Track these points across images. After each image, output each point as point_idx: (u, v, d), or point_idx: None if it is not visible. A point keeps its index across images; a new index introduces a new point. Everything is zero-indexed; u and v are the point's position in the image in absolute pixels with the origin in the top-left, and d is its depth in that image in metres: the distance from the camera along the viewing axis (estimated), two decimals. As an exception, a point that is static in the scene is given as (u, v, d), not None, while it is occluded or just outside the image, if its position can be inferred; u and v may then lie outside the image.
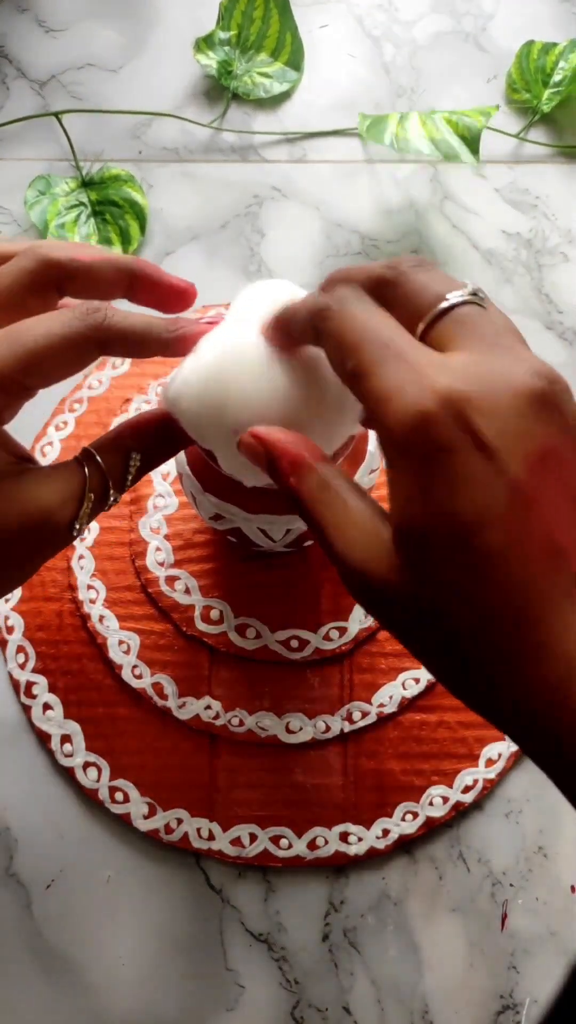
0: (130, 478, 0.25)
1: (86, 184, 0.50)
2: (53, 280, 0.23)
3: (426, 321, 0.21)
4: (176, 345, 0.24)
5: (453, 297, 0.20)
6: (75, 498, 0.23)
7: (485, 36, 0.56)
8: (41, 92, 0.54)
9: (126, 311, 0.24)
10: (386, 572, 0.20)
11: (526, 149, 0.53)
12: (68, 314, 0.23)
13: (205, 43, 0.53)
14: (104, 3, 0.56)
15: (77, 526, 0.23)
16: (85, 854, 0.39)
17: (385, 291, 0.22)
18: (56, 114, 0.51)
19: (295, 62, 0.54)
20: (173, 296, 0.25)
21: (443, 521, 0.18)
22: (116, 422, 0.45)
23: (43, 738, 0.41)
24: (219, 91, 0.54)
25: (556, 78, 0.53)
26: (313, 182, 0.52)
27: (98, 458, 0.24)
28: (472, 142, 0.44)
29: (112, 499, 0.24)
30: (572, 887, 0.39)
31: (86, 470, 0.24)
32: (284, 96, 0.54)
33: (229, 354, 0.25)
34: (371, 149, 0.53)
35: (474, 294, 0.21)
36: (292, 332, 0.23)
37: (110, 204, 0.50)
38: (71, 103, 0.53)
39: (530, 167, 0.52)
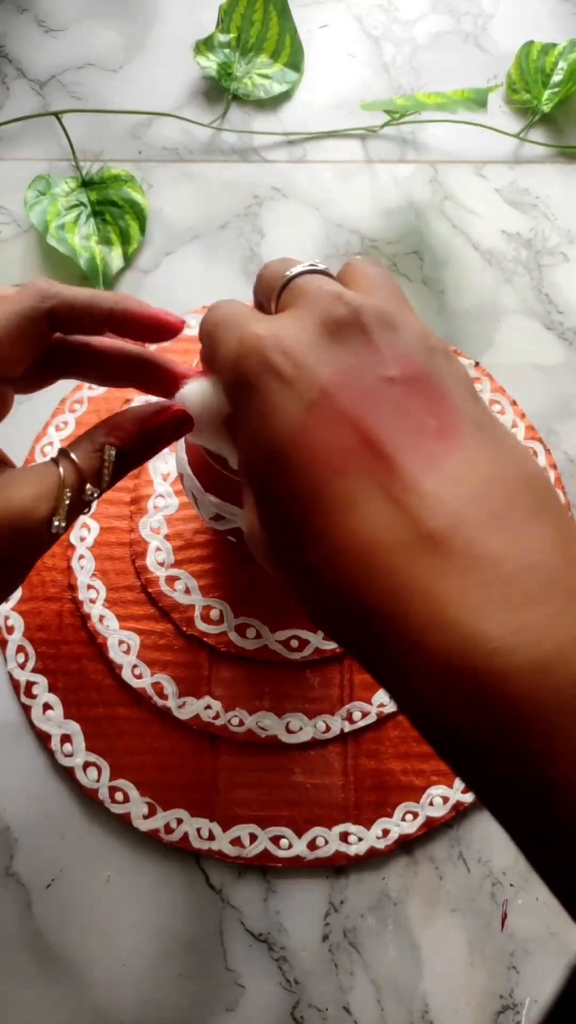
0: (106, 473, 0.25)
1: (86, 184, 0.50)
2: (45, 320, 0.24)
3: (273, 298, 0.23)
4: (118, 318, 0.25)
5: (292, 271, 0.23)
6: (51, 496, 0.23)
7: (485, 36, 0.56)
8: (41, 92, 0.54)
9: (70, 286, 0.25)
10: (253, 520, 0.21)
11: (526, 149, 0.53)
12: (16, 293, 0.24)
13: (205, 45, 0.53)
14: (104, 3, 0.56)
15: (56, 523, 0.23)
16: (85, 854, 0.39)
17: (255, 291, 0.24)
18: (56, 114, 0.51)
19: (295, 63, 0.54)
20: (157, 328, 0.26)
21: (257, 448, 0.20)
22: None
23: (43, 738, 0.41)
24: (219, 92, 0.54)
25: (556, 78, 0.53)
26: (313, 182, 0.52)
27: (72, 455, 0.24)
28: (479, 96, 0.44)
29: (91, 495, 0.24)
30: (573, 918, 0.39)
31: (60, 468, 0.24)
32: (284, 97, 0.54)
33: None
34: (371, 149, 0.53)
35: (313, 267, 0.23)
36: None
37: (110, 204, 0.50)
38: (71, 103, 0.53)
39: (530, 167, 0.52)
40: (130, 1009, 0.37)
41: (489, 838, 0.40)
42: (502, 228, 0.51)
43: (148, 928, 0.38)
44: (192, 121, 0.52)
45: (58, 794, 0.40)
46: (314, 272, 0.23)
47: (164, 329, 0.26)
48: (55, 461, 0.24)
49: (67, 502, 0.23)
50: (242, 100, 0.53)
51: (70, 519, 0.24)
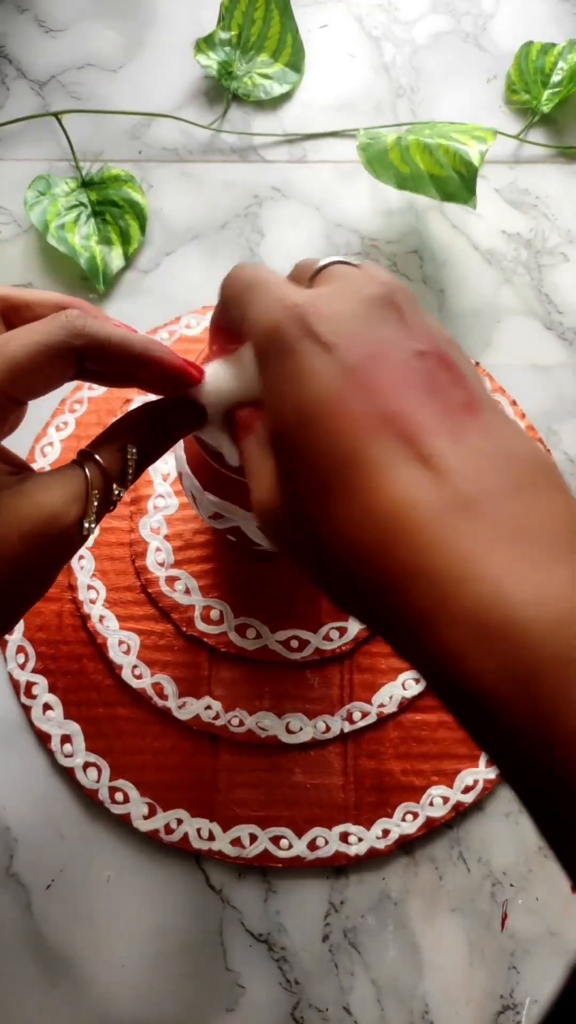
0: (130, 472, 0.25)
1: (86, 184, 0.50)
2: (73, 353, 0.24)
3: (305, 281, 0.24)
4: (149, 364, 0.25)
5: (325, 260, 0.24)
6: (79, 498, 0.24)
7: (485, 36, 0.56)
8: (41, 92, 0.54)
9: (103, 321, 0.24)
10: (271, 492, 0.21)
11: (526, 150, 0.53)
12: (47, 323, 0.23)
13: (205, 43, 0.53)
14: (104, 3, 0.56)
15: (86, 525, 0.24)
16: (85, 854, 0.39)
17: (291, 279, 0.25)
18: (56, 114, 0.51)
19: (295, 63, 0.54)
20: (180, 379, 0.26)
21: (291, 410, 0.20)
22: None
23: (43, 738, 0.41)
24: (219, 92, 0.54)
25: (555, 78, 0.53)
26: (313, 182, 0.52)
27: (96, 456, 0.24)
28: (469, 180, 0.44)
29: (117, 494, 0.25)
30: (572, 887, 0.39)
31: (86, 469, 0.24)
32: (284, 97, 0.54)
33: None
34: (371, 149, 0.53)
35: (344, 261, 0.24)
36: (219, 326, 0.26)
37: (110, 204, 0.50)
38: (71, 103, 0.53)
39: (530, 167, 0.52)
40: (130, 1009, 0.37)
41: (489, 838, 0.40)
42: (502, 228, 0.51)
43: (148, 928, 0.38)
44: (192, 123, 0.52)
45: (58, 794, 0.40)
46: (344, 263, 0.24)
47: (187, 381, 0.26)
48: (79, 463, 0.24)
49: (95, 504, 0.24)
50: (242, 100, 0.53)
51: (98, 519, 0.24)
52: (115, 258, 0.49)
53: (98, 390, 0.46)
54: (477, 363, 0.47)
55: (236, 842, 0.39)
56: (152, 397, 0.27)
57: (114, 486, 0.24)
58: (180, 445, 0.35)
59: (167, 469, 0.44)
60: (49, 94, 0.54)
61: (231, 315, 0.24)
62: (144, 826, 0.39)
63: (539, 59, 0.53)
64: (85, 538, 0.24)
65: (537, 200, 0.52)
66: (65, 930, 0.38)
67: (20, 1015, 0.37)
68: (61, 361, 0.23)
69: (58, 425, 0.46)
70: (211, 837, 0.39)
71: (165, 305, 0.49)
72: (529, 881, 0.39)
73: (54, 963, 0.38)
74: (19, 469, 0.24)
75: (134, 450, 0.25)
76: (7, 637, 0.42)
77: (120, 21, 0.56)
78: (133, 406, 0.46)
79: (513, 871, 0.39)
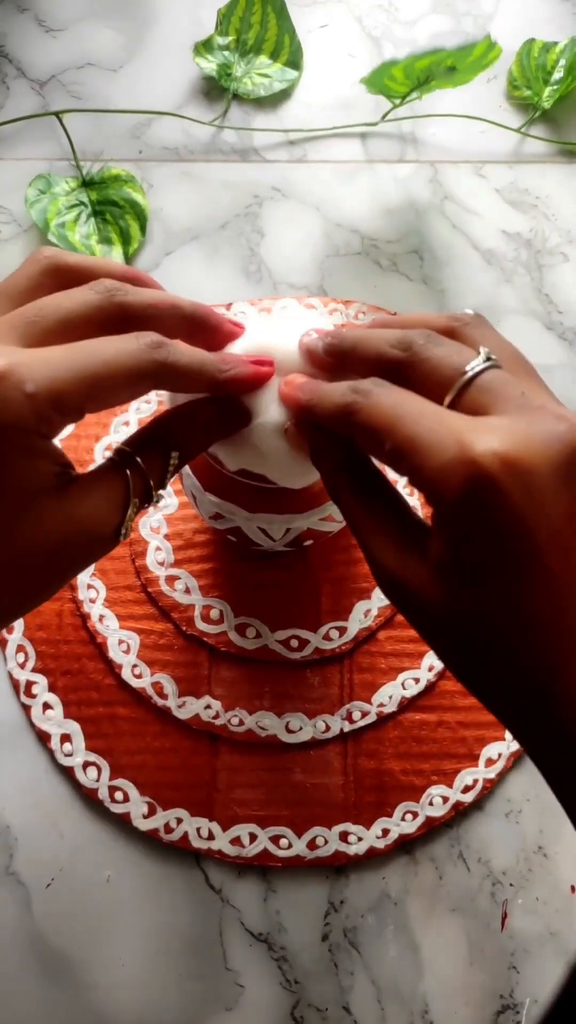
0: (170, 474, 0.25)
1: (86, 184, 0.50)
2: (119, 319, 0.24)
3: (453, 393, 0.22)
4: (226, 385, 0.25)
5: (473, 367, 0.22)
6: (120, 506, 0.24)
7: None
8: (41, 92, 0.54)
9: (182, 348, 0.24)
10: (423, 583, 0.22)
11: (526, 147, 0.53)
12: (134, 345, 0.23)
13: (204, 47, 0.53)
14: (104, 3, 0.56)
15: (123, 532, 0.24)
16: (85, 853, 0.39)
17: (402, 372, 0.23)
18: (56, 113, 0.51)
19: (294, 62, 0.54)
20: (227, 339, 0.27)
21: (493, 560, 0.21)
22: (116, 422, 0.45)
23: (43, 738, 0.41)
24: (219, 91, 0.54)
25: (557, 75, 0.53)
26: (313, 182, 0.52)
27: (137, 459, 0.24)
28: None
29: (155, 498, 0.25)
30: (572, 887, 0.39)
31: (127, 473, 0.24)
32: (284, 95, 0.54)
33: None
34: (371, 149, 0.53)
35: (489, 358, 0.22)
36: (319, 422, 0.25)
37: (110, 204, 0.50)
38: (71, 103, 0.53)
39: (530, 167, 0.52)
40: (130, 1008, 0.37)
41: (489, 838, 0.40)
42: (502, 228, 0.51)
43: (148, 928, 0.38)
44: (193, 119, 0.52)
45: (58, 794, 0.40)
46: (493, 367, 0.22)
47: (260, 383, 0.26)
48: (118, 465, 0.24)
49: (134, 511, 0.24)
50: (242, 99, 0.54)
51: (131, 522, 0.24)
52: (115, 258, 0.49)
53: None
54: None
55: (236, 841, 0.39)
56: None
57: (153, 491, 0.24)
58: None
59: None
60: (49, 94, 0.54)
61: (373, 449, 0.23)
62: (144, 825, 0.39)
63: (541, 56, 0.53)
64: (118, 543, 0.24)
65: (537, 200, 0.52)
66: (65, 929, 0.38)
67: (20, 1014, 0.37)
68: (140, 387, 0.23)
69: None
70: (211, 836, 0.39)
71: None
72: (529, 881, 0.39)
73: (54, 962, 0.38)
74: (63, 468, 0.23)
75: (176, 453, 0.25)
76: (7, 636, 0.42)
77: (120, 21, 0.56)
78: (133, 404, 0.46)
79: (513, 871, 0.39)
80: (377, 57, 0.55)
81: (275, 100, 0.54)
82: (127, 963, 0.38)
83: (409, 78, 0.47)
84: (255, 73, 0.53)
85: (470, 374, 0.22)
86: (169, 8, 0.56)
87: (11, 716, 0.41)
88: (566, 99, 0.53)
